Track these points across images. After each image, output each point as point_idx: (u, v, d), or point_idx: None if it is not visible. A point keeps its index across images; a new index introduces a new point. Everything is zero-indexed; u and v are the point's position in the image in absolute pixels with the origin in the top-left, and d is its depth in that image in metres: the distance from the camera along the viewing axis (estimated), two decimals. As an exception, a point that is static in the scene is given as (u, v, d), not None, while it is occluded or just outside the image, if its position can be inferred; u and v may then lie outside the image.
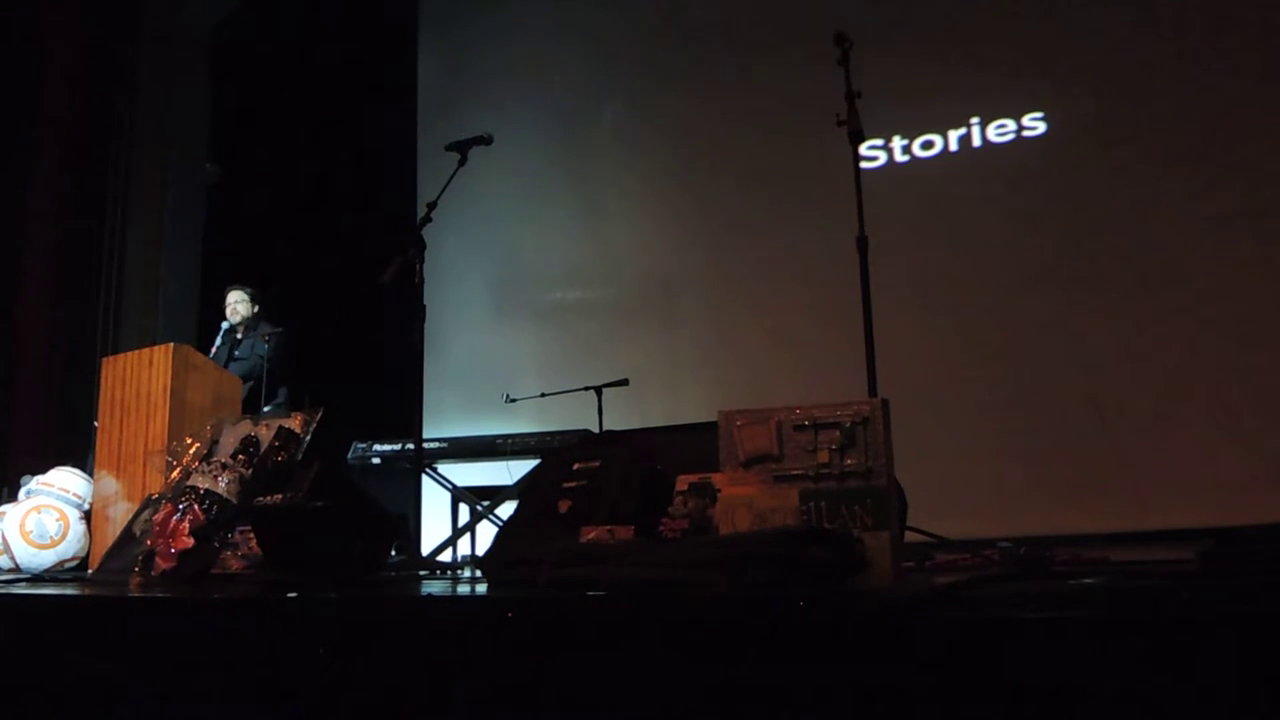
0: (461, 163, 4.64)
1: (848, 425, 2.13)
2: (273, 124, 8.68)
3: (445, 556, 5.98)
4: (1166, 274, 6.25)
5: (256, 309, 6.97)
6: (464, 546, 6.19)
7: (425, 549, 5.77)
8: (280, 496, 3.01)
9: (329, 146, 8.52)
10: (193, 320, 8.21)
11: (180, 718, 2.04)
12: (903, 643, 1.39)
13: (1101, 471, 6.06)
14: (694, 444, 2.44)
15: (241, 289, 6.98)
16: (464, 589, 2.64)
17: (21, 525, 5.31)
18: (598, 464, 2.55)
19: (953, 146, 7.09)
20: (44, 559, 5.30)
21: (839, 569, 1.82)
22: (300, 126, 8.61)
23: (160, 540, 3.01)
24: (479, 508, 6.15)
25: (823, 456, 2.13)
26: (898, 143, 7.22)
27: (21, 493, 5.65)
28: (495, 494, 6.17)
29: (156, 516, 3.12)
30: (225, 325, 6.92)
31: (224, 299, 7.00)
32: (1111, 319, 6.32)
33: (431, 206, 4.49)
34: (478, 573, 3.27)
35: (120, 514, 4.79)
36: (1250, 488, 5.58)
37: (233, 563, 3.07)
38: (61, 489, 5.52)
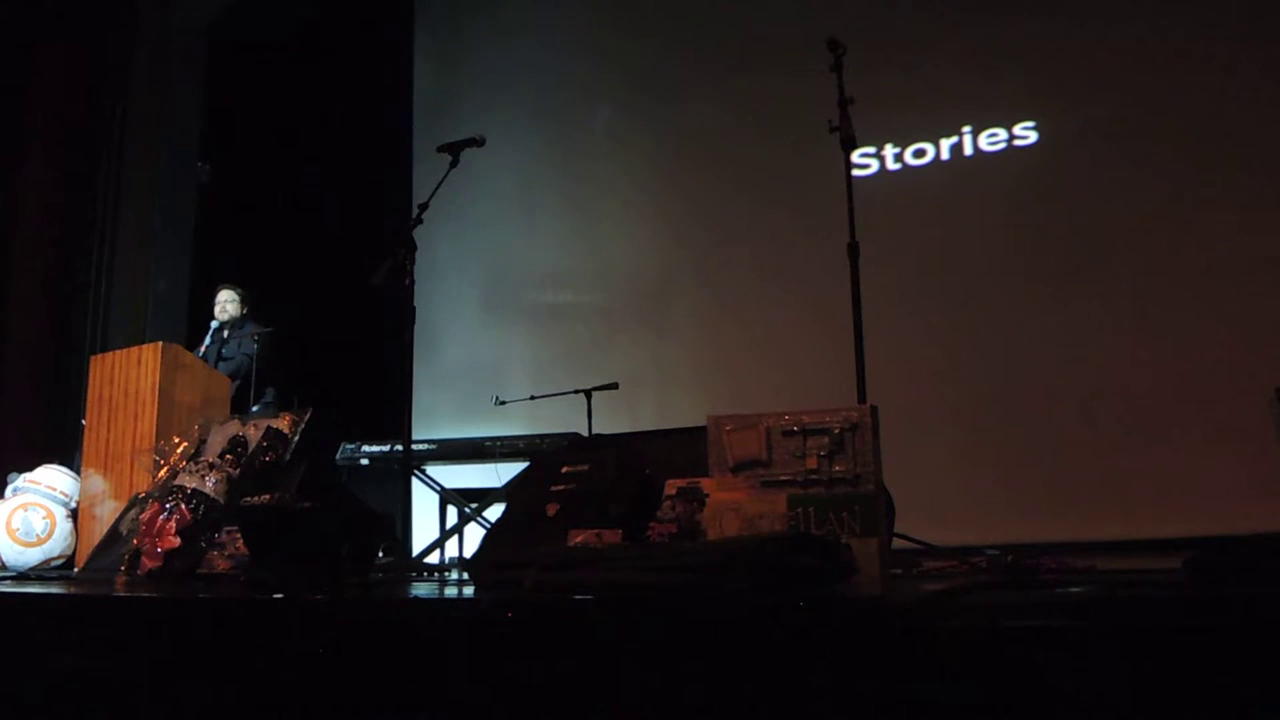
0: (453, 165, 4.64)
1: (836, 431, 2.13)
2: (265, 124, 8.66)
3: (433, 559, 5.97)
4: (1158, 283, 6.28)
5: (246, 309, 6.96)
6: (452, 549, 6.18)
7: (413, 551, 5.76)
8: (268, 497, 3.00)
9: (322, 147, 8.50)
10: (182, 319, 8.18)
11: (165, 718, 2.03)
12: (890, 650, 1.39)
13: (1090, 480, 6.08)
14: (683, 448, 2.44)
15: (232, 288, 6.98)
16: (451, 591, 2.63)
17: (8, 523, 5.29)
18: (586, 467, 2.55)
19: (945, 155, 7.11)
20: (30, 557, 5.28)
21: (827, 575, 1.81)
22: (293, 127, 8.58)
23: (147, 539, 3.00)
24: (467, 510, 6.14)
25: (811, 463, 2.13)
26: (890, 150, 7.24)
27: (8, 490, 5.63)
28: (484, 496, 6.16)
29: (143, 515, 3.11)
30: (214, 324, 6.91)
31: (214, 297, 6.99)
32: (1102, 327, 6.34)
33: (423, 208, 4.48)
34: (465, 575, 3.26)
35: (107, 513, 4.77)
36: (1239, 497, 5.59)
37: (219, 563, 3.05)
38: (48, 487, 5.50)
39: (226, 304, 6.92)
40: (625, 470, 2.50)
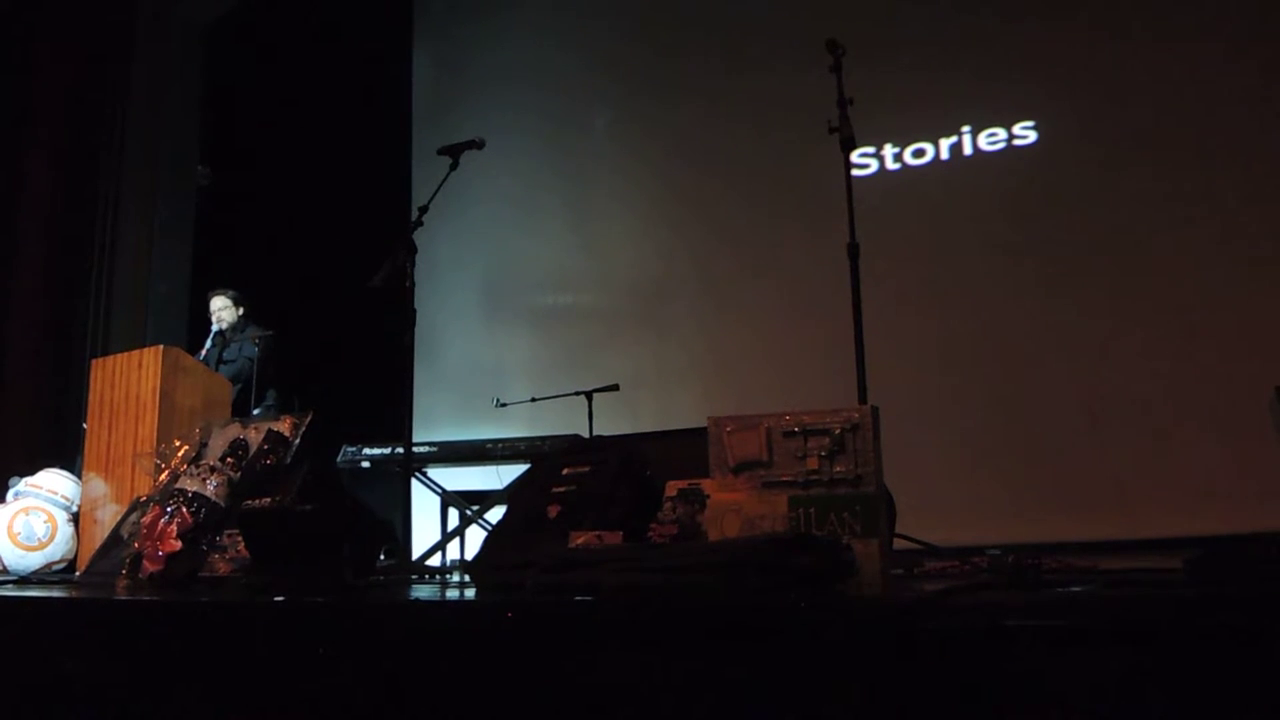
0: (453, 167, 4.64)
1: (837, 432, 2.12)
2: (265, 126, 8.66)
3: (434, 561, 5.97)
4: (1158, 282, 6.28)
5: (242, 311, 6.94)
6: (453, 551, 6.18)
7: (414, 553, 5.76)
8: (269, 500, 3.00)
9: (321, 148, 8.50)
10: (183, 322, 8.18)
11: (166, 721, 2.03)
12: (891, 650, 1.39)
13: (1091, 480, 6.08)
14: (684, 450, 2.43)
15: (222, 293, 6.93)
16: (453, 594, 2.64)
17: (9, 527, 5.29)
18: (587, 469, 2.55)
19: (944, 155, 7.12)
20: (31, 561, 5.28)
21: (827, 576, 1.81)
22: (293, 129, 8.58)
23: (148, 543, 3.00)
24: (468, 512, 6.14)
25: (812, 463, 2.12)
26: (889, 150, 7.24)
27: (9, 494, 5.62)
28: (485, 499, 6.16)
29: (144, 519, 3.11)
30: (215, 328, 6.90)
31: (208, 305, 6.96)
32: (1102, 327, 6.34)
33: (423, 210, 4.49)
34: (466, 578, 3.26)
35: (108, 516, 4.77)
36: (1239, 497, 5.59)
37: (220, 566, 3.05)
38: (50, 491, 5.49)
39: (221, 312, 6.87)
40: (626, 472, 2.50)
